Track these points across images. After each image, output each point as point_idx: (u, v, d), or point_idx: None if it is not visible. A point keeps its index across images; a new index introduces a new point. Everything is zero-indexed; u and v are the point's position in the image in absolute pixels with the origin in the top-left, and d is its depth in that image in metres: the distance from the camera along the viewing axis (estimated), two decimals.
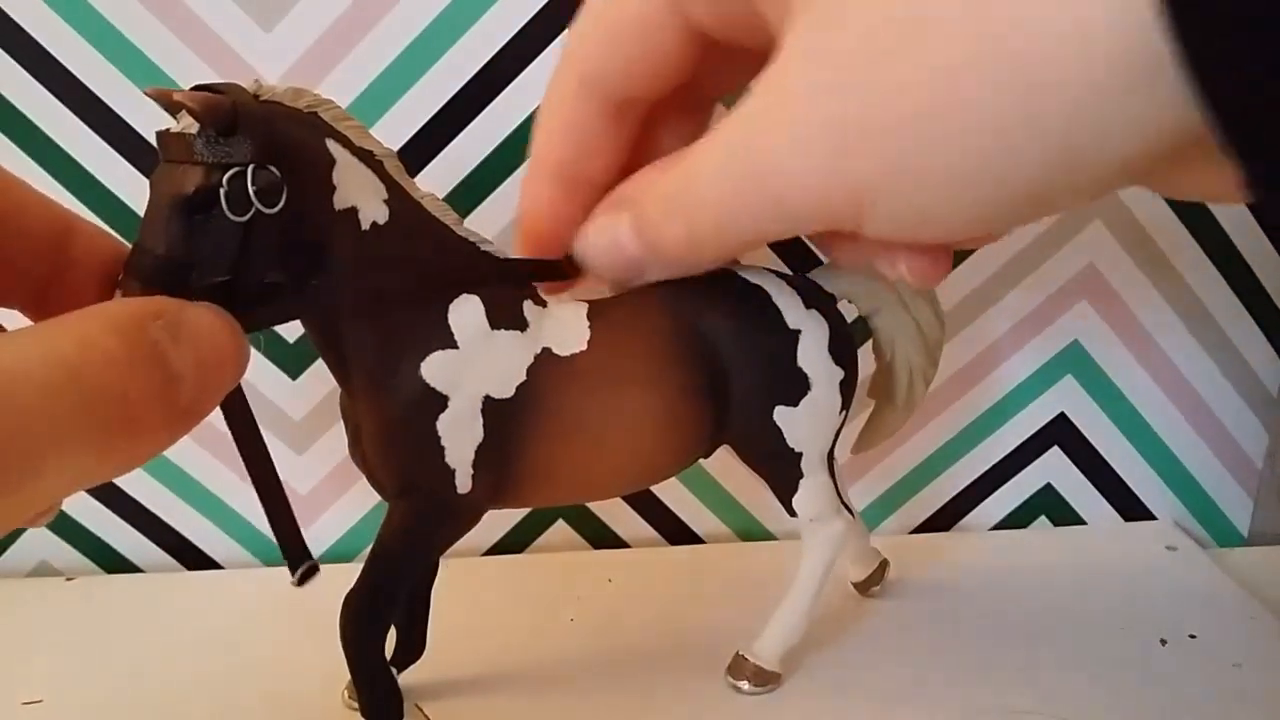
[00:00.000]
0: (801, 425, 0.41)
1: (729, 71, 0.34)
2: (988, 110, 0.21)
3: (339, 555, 0.59)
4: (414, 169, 0.53)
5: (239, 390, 0.30)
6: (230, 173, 0.28)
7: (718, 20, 0.29)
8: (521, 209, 0.36)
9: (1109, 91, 0.20)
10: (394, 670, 0.40)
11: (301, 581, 0.34)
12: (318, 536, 0.59)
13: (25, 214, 0.26)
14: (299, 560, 0.34)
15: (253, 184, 0.28)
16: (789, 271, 0.43)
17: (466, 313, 0.35)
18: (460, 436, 0.35)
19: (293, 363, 0.56)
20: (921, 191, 0.23)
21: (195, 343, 0.23)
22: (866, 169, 0.24)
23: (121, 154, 0.52)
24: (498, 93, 0.52)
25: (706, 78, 0.33)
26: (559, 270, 0.36)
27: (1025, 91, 0.20)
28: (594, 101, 0.33)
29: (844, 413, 0.42)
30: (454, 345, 0.35)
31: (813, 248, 0.54)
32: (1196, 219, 0.58)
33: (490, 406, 0.35)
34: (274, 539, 0.33)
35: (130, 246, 0.28)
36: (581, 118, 0.33)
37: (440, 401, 0.35)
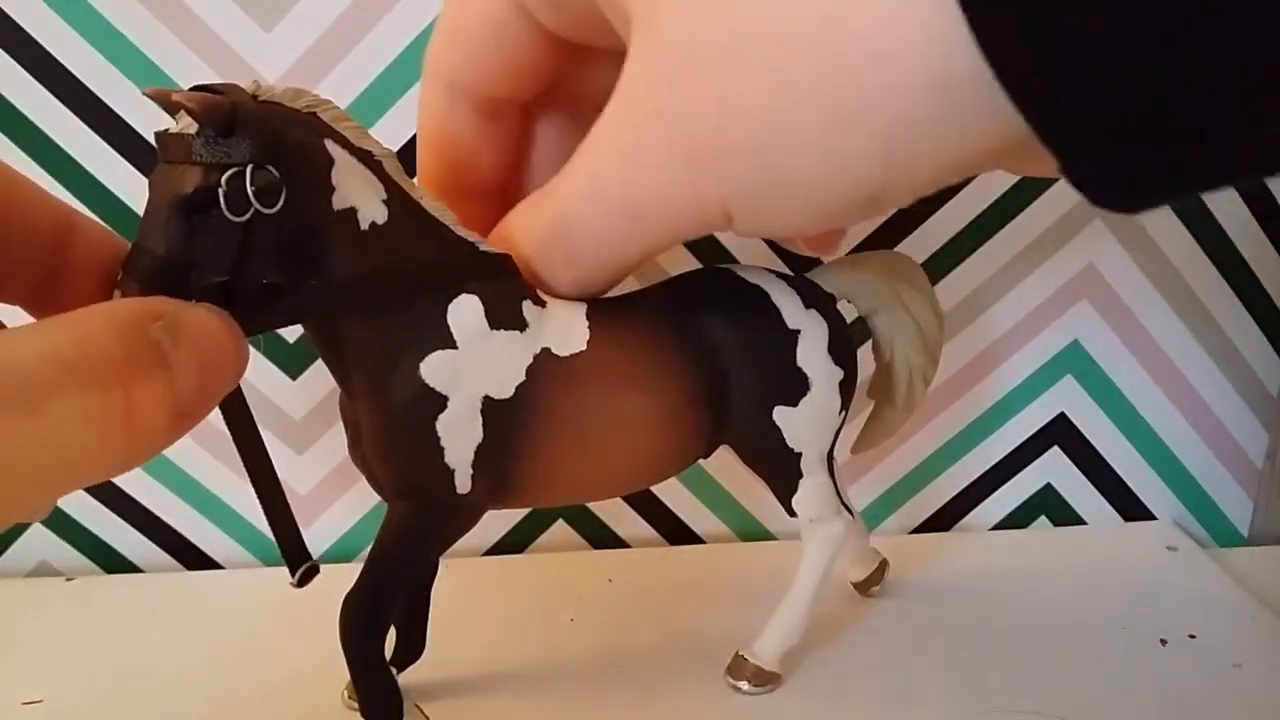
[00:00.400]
0: (801, 425, 0.41)
1: (595, 70, 0.34)
2: (812, 132, 0.22)
3: (339, 555, 0.59)
4: (413, 169, 0.53)
5: (238, 391, 0.30)
6: (229, 173, 0.28)
7: (565, 25, 0.30)
8: None
9: (928, 110, 0.21)
10: (394, 670, 0.40)
11: (302, 582, 0.34)
12: (318, 536, 0.59)
13: (26, 209, 0.26)
14: (298, 561, 0.34)
15: (251, 184, 0.28)
16: (788, 271, 0.43)
17: (466, 312, 0.35)
18: (459, 436, 0.35)
19: (293, 363, 0.56)
20: (771, 204, 0.25)
21: (195, 344, 0.23)
22: (722, 189, 0.25)
23: (121, 154, 0.52)
24: None
25: (573, 77, 0.34)
26: None
27: (846, 115, 0.22)
28: (463, 105, 0.33)
29: (844, 413, 0.42)
30: (453, 345, 0.35)
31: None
32: (1196, 219, 0.58)
33: (490, 407, 0.35)
34: (274, 538, 0.33)
35: (130, 246, 0.28)
36: (455, 124, 0.34)
37: (439, 401, 0.35)
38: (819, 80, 0.22)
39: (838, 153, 0.23)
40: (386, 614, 0.39)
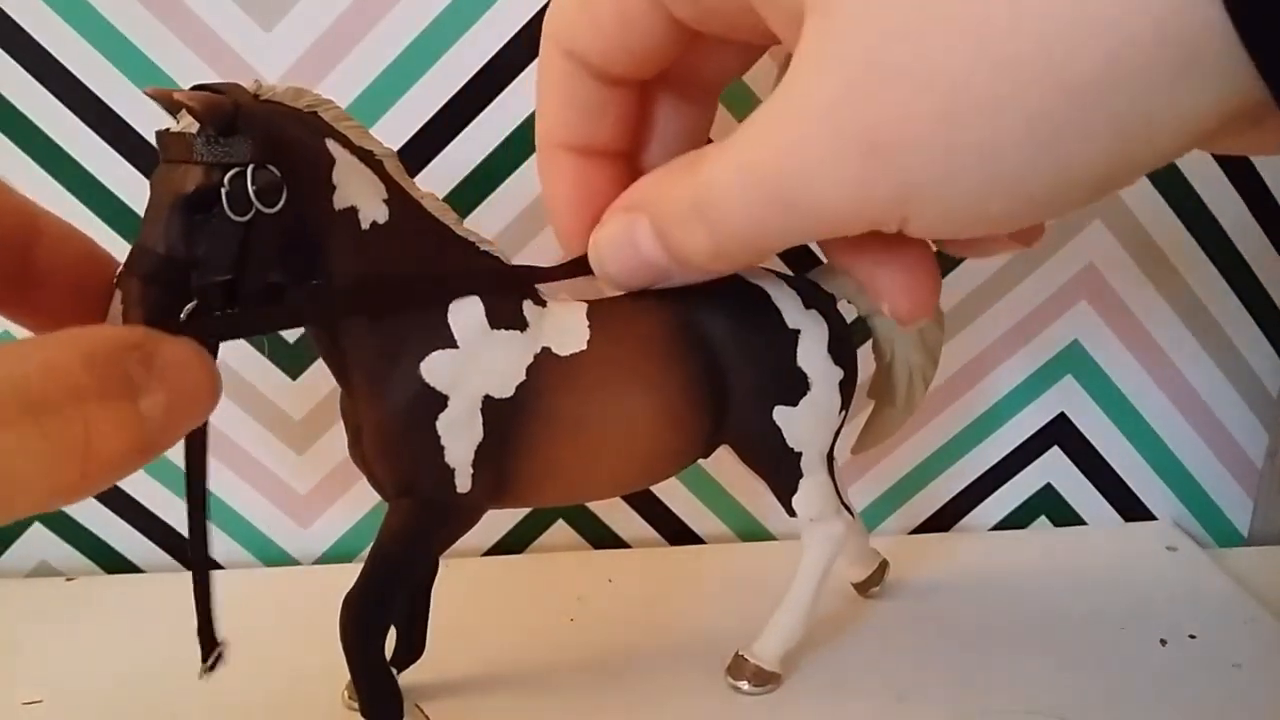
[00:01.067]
0: (801, 425, 0.41)
1: (721, 60, 0.33)
2: (1023, 109, 0.20)
3: (339, 555, 0.59)
4: (414, 169, 0.52)
5: (202, 427, 0.30)
6: (231, 173, 0.28)
7: (698, 16, 0.29)
8: (547, 195, 0.35)
9: (1160, 73, 0.19)
10: (394, 670, 0.40)
11: (212, 667, 0.34)
12: (318, 536, 0.59)
13: None
14: (210, 646, 0.34)
15: (253, 184, 0.28)
16: (789, 272, 0.43)
17: (466, 312, 0.35)
18: (460, 436, 0.35)
19: (293, 363, 0.56)
20: (967, 194, 0.22)
21: (167, 377, 0.22)
22: (903, 179, 0.22)
23: (121, 154, 0.52)
24: (498, 93, 0.52)
25: (698, 65, 0.33)
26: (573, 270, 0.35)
27: (1069, 88, 0.19)
28: (583, 73, 0.32)
29: (844, 413, 0.42)
30: (454, 345, 0.35)
31: (813, 248, 0.54)
32: (1196, 219, 0.58)
33: (490, 406, 0.35)
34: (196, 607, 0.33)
35: (104, 249, 0.28)
36: (576, 88, 0.32)
37: (440, 401, 0.35)
38: (1033, 50, 0.19)
39: (1061, 133, 0.20)
40: (387, 614, 0.39)
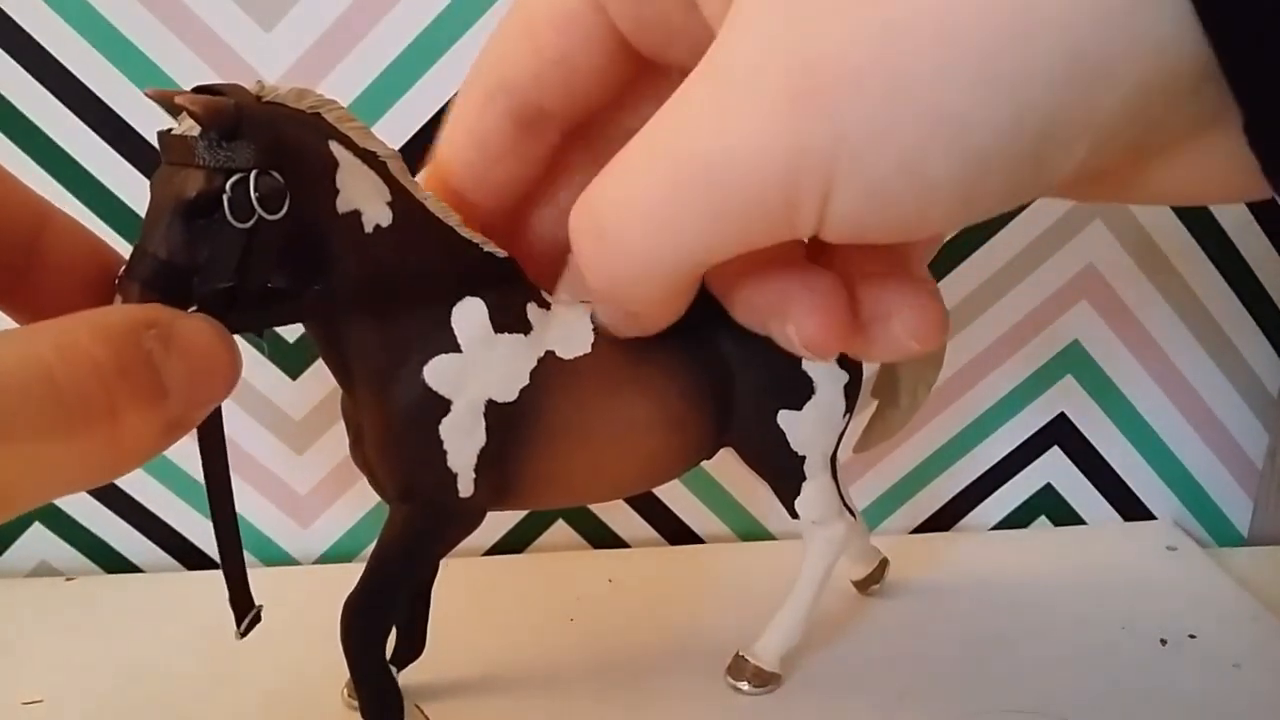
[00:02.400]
0: (805, 428, 0.41)
1: (650, 104, 0.31)
2: (976, 41, 0.18)
3: (339, 555, 0.59)
4: (415, 169, 0.53)
5: (217, 412, 0.30)
6: (233, 179, 0.28)
7: (642, 24, 0.27)
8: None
9: (1117, 5, 0.17)
10: (394, 670, 0.40)
11: (246, 631, 0.33)
12: (318, 536, 0.59)
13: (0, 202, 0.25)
14: (245, 608, 0.33)
15: (255, 190, 0.28)
16: None
17: (470, 315, 0.35)
18: (463, 440, 0.35)
19: (293, 363, 0.55)
20: (905, 147, 0.19)
21: (187, 354, 0.22)
22: (837, 120, 0.19)
23: (121, 154, 0.52)
24: None
25: (628, 106, 0.31)
26: None
27: (1031, 19, 0.17)
28: (501, 107, 0.31)
29: (848, 416, 0.42)
30: (457, 348, 0.35)
31: None
32: (1196, 219, 0.58)
33: (493, 410, 0.35)
34: (223, 573, 0.33)
35: (111, 247, 0.28)
36: (486, 123, 0.31)
37: (443, 405, 0.35)
38: None
39: (1016, 69, 0.18)
40: (388, 616, 0.39)
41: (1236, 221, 0.59)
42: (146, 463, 0.22)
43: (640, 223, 0.23)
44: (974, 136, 0.19)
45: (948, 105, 0.18)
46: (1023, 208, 0.57)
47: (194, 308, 0.27)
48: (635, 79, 0.30)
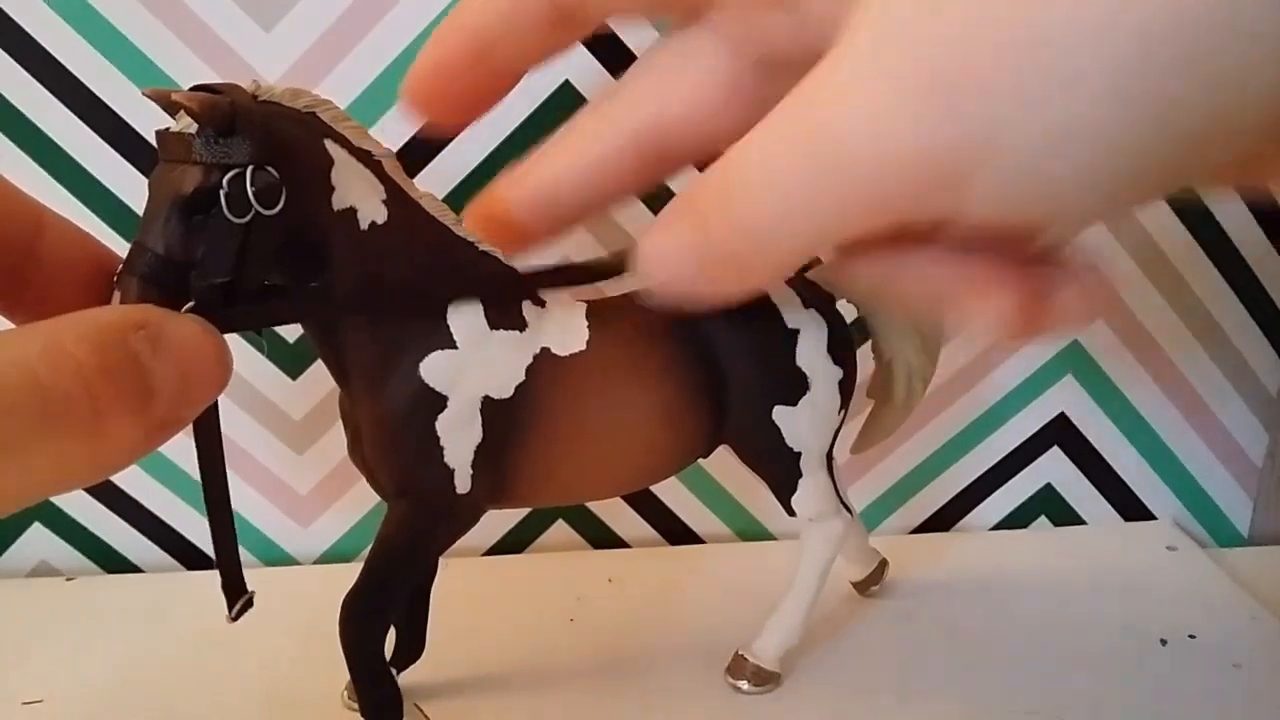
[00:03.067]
0: (800, 424, 0.41)
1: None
2: (1131, 32, 0.17)
3: (339, 555, 0.59)
4: (414, 169, 0.53)
5: (214, 408, 0.29)
6: (230, 174, 0.28)
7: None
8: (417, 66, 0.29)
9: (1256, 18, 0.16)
10: (394, 670, 0.40)
11: (238, 616, 0.33)
12: (317, 536, 0.59)
13: None
14: (236, 593, 0.33)
15: (252, 185, 0.28)
16: None
17: (465, 313, 0.35)
18: (459, 437, 0.35)
19: (293, 363, 0.56)
20: (1043, 136, 0.18)
21: (176, 355, 0.22)
22: (976, 113, 0.18)
23: (121, 154, 0.52)
24: None
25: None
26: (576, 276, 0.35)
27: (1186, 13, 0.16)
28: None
29: (843, 412, 0.42)
30: (453, 345, 0.35)
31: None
32: (1196, 219, 0.58)
33: (489, 407, 0.35)
34: (216, 562, 0.33)
35: (108, 248, 0.28)
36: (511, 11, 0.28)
37: (439, 401, 0.35)
38: None
39: (1170, 64, 0.17)
40: (387, 614, 0.39)
41: (1236, 221, 0.58)
42: (137, 461, 0.21)
43: (774, 196, 0.22)
44: (1110, 133, 0.18)
45: (1083, 104, 0.18)
46: None
47: (191, 303, 0.27)
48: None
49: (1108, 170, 0.18)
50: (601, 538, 0.61)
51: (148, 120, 0.50)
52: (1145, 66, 0.17)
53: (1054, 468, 0.63)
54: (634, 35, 0.52)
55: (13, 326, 0.24)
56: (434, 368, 0.35)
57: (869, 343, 0.46)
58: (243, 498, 0.57)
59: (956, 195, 0.20)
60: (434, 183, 0.51)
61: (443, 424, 0.35)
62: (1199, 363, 0.61)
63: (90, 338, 0.20)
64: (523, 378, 0.36)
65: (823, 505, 0.43)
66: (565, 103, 0.52)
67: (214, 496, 0.31)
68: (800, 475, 0.42)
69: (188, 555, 0.59)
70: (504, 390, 0.36)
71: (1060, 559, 0.58)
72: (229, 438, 0.56)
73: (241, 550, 0.58)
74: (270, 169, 0.29)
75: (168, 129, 0.29)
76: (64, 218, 0.27)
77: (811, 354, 0.40)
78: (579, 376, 0.37)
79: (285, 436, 0.57)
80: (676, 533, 0.62)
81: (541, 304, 0.37)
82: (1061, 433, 0.62)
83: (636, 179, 0.29)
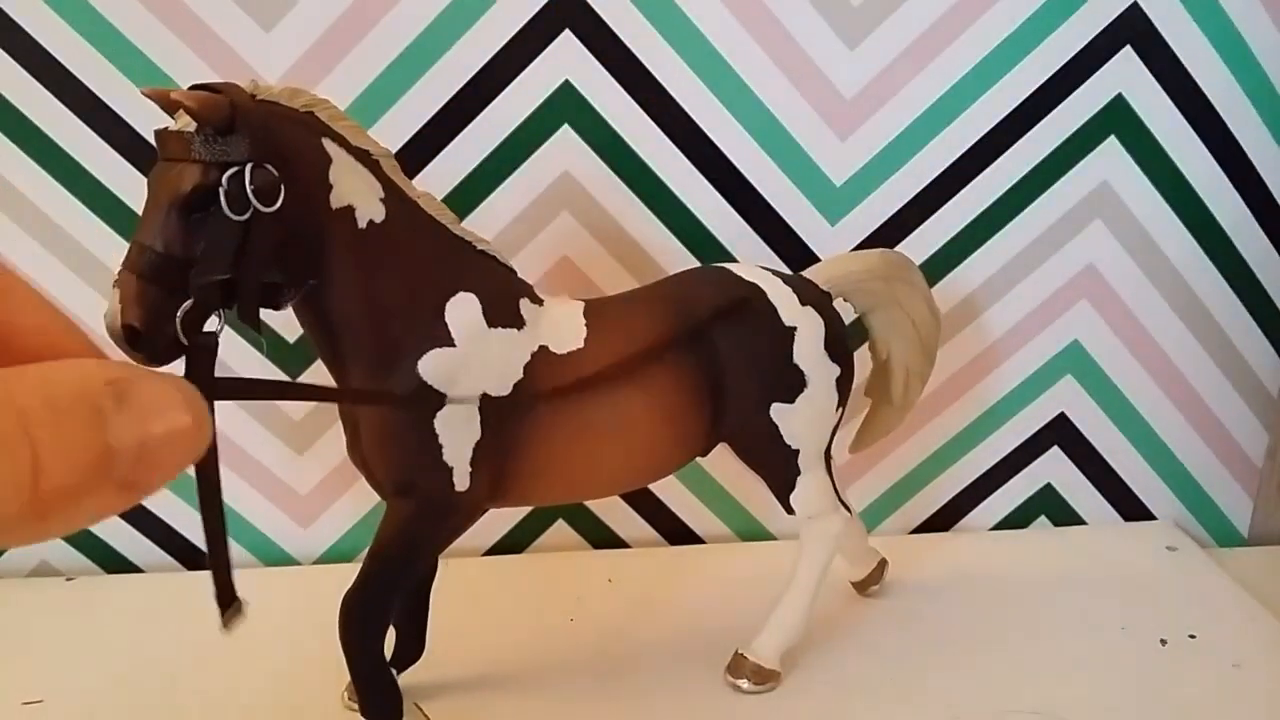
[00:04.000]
0: (798, 422, 0.41)
1: None
2: None
3: (339, 555, 0.59)
4: (414, 169, 0.53)
5: (212, 448, 0.29)
6: (229, 172, 0.28)
7: None
8: None
9: None
10: (394, 670, 0.40)
11: (228, 623, 0.33)
12: (318, 536, 0.58)
13: None
14: (227, 601, 0.33)
15: (250, 183, 0.28)
16: (785, 270, 0.43)
17: (463, 311, 0.35)
18: (458, 434, 0.35)
19: (293, 363, 0.56)
20: None
21: (141, 414, 0.21)
22: None
23: (121, 154, 0.52)
24: (498, 93, 0.52)
25: None
26: None
27: None
28: None
29: (841, 409, 0.42)
30: (451, 344, 0.35)
31: (812, 246, 0.54)
32: (1196, 219, 0.58)
33: (488, 404, 0.35)
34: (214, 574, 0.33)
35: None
36: None
37: (438, 400, 0.35)
38: None
39: None
40: (386, 613, 0.39)
41: (1236, 221, 0.58)
42: (98, 520, 0.20)
43: None
44: None
45: None
46: (1023, 208, 0.57)
47: (190, 301, 0.27)
48: None
49: None
50: (601, 538, 0.61)
51: (147, 120, 0.50)
52: None
53: (1054, 468, 0.63)
54: (635, 35, 0.52)
55: None
56: (432, 366, 0.35)
57: (867, 342, 0.46)
58: (243, 498, 0.57)
59: None
60: (434, 182, 0.51)
61: (441, 421, 0.35)
62: (1199, 363, 0.61)
63: (43, 388, 0.19)
64: (520, 375, 0.36)
65: (821, 502, 0.43)
66: (565, 102, 0.52)
67: (207, 501, 0.31)
68: (798, 472, 0.42)
69: (188, 555, 0.59)
70: (502, 388, 0.36)
71: (1060, 559, 0.58)
72: (230, 438, 0.57)
73: (242, 550, 0.59)
74: (269, 167, 0.29)
75: (167, 127, 0.29)
76: (30, 287, 0.25)
77: (808, 351, 0.40)
78: (577, 374, 0.37)
79: (285, 436, 0.57)
80: (676, 533, 0.62)
81: (539, 302, 0.37)
82: (1061, 433, 0.62)
83: None
